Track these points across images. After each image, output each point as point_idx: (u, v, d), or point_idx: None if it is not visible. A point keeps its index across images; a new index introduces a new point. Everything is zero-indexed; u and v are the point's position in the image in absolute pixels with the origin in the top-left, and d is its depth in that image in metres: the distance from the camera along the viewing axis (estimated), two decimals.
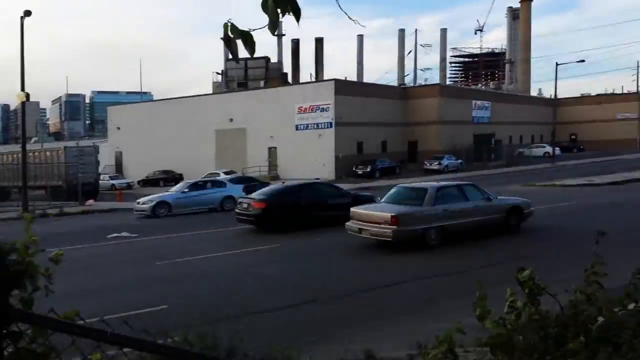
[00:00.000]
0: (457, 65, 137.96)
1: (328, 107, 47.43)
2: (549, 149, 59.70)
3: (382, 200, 15.91)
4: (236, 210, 19.38)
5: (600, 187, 28.73)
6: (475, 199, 14.90)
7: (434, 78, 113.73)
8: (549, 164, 50.28)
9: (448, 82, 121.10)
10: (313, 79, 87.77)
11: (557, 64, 51.53)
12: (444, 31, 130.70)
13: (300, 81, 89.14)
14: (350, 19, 2.62)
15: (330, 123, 47.36)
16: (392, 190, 15.70)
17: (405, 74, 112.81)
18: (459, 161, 50.36)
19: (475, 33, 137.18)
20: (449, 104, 56.08)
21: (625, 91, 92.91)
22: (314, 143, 47.79)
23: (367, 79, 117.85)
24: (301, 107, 48.91)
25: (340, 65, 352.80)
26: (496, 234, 14.67)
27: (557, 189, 28.99)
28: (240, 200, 19.75)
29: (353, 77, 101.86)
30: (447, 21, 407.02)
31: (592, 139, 74.85)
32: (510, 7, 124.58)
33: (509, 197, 16.89)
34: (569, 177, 34.49)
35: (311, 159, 46.98)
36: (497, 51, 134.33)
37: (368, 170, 45.45)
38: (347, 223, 14.74)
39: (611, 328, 2.75)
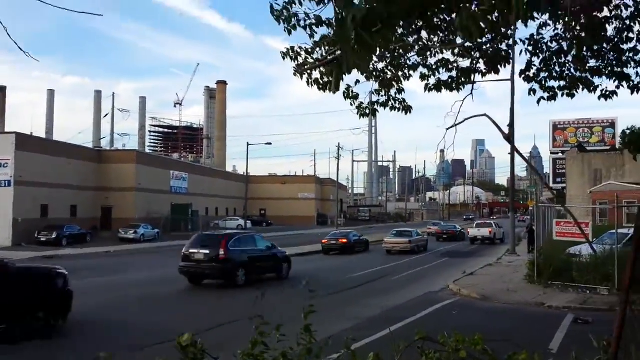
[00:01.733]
0: (157, 134, 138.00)
1: (6, 163, 41.27)
2: (241, 221, 63.09)
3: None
4: None
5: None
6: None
7: (133, 144, 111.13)
8: None
9: (147, 150, 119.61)
10: None
11: (248, 144, 56.47)
12: (143, 99, 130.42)
13: None
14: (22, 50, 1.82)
15: (9, 181, 41.15)
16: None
17: (102, 137, 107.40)
18: (156, 230, 48.95)
19: (175, 106, 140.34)
20: (146, 171, 54.85)
21: (305, 174, 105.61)
22: None
23: (58, 137, 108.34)
24: None
25: (27, 119, 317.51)
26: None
27: None
28: None
29: (42, 134, 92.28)
30: (147, 90, 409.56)
31: (278, 215, 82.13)
32: (207, 87, 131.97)
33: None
34: None
35: None
36: (195, 126, 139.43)
37: (54, 237, 40.26)
38: None
39: None
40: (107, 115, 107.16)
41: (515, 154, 27.59)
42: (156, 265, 26.38)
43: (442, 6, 4.63)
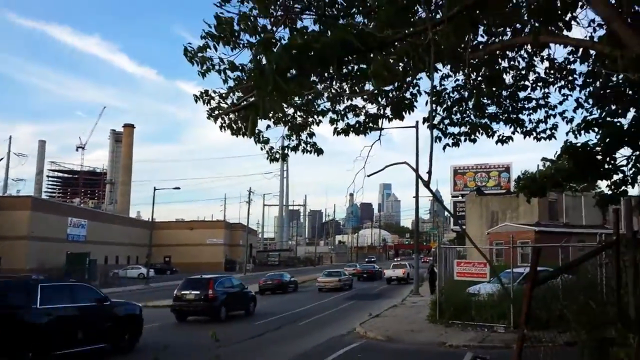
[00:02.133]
0: (56, 179, 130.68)
1: None
2: (143, 270, 60.11)
3: None
4: None
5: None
6: None
7: (29, 190, 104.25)
8: (143, 285, 50.37)
9: (44, 195, 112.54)
10: None
11: (155, 189, 54.24)
12: (42, 143, 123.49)
13: None
14: None
15: None
16: None
17: None
18: None
19: (77, 150, 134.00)
20: (41, 218, 51.56)
21: (215, 219, 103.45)
22: None
23: None
24: None
25: None
26: None
27: (148, 310, 28.81)
28: None
29: None
30: (47, 133, 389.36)
31: (184, 261, 79.25)
32: (113, 130, 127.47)
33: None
34: (160, 298, 34.90)
35: None
36: (98, 170, 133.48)
37: None
38: None
39: None
40: (1, 159, 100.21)
41: (429, 201, 28.54)
42: None
43: (354, 56, 4.72)
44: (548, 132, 9.72)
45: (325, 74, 7.97)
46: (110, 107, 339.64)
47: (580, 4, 6.19)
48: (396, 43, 4.90)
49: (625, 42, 5.22)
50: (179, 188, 77.39)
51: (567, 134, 8.90)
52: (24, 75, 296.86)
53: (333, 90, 8.94)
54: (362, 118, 9.59)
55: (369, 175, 4.06)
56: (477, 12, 5.18)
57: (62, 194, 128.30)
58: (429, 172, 3.22)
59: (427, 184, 3.17)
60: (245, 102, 6.98)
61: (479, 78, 8.88)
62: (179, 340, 16.13)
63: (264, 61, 3.62)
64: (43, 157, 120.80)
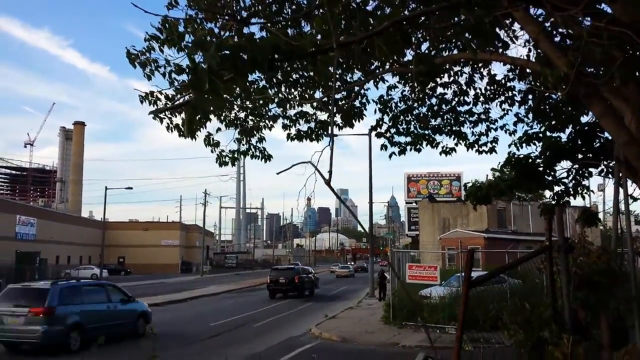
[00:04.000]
0: (3, 176, 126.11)
1: None
2: (96, 270, 58.80)
3: None
4: None
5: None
6: None
7: None
8: None
9: None
10: None
11: (106, 188, 53.44)
12: None
13: None
14: None
15: None
16: None
17: None
18: None
19: (25, 146, 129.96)
20: None
21: (170, 220, 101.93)
22: None
23: None
24: None
25: None
26: None
27: None
28: None
29: None
30: None
31: (139, 262, 77.86)
32: (63, 127, 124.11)
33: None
34: None
35: None
36: (48, 168, 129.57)
37: None
38: None
39: None
40: None
41: (384, 207, 29.20)
42: None
43: (289, 58, 4.99)
44: (489, 145, 10.26)
45: (274, 80, 8.24)
46: (60, 103, 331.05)
47: (509, 22, 6.61)
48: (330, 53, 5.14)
49: (553, 61, 5.70)
50: (131, 188, 75.81)
51: (509, 146, 9.44)
52: None
53: (281, 96, 9.17)
54: (313, 125, 9.91)
55: (277, 173, 4.38)
56: (409, 28, 5.47)
57: (10, 191, 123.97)
58: (330, 172, 3.59)
59: (327, 182, 3.54)
60: (182, 101, 7.01)
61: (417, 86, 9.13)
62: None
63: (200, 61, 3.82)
64: None
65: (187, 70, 7.19)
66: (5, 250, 50.76)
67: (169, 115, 7.43)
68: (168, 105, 7.66)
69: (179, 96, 7.61)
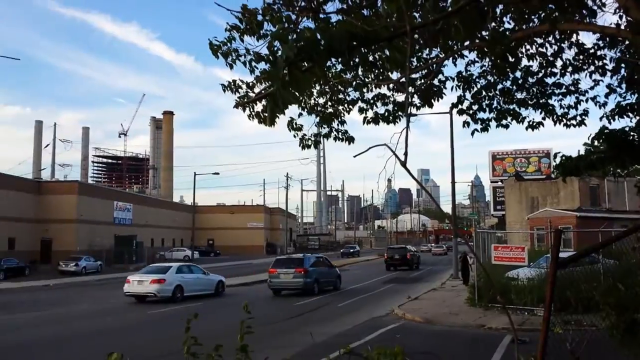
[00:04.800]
0: (101, 165, 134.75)
1: None
2: (188, 252, 61.84)
3: None
4: None
5: (233, 287, 30.74)
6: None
7: (75, 175, 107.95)
8: None
9: (90, 180, 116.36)
10: None
11: (195, 174, 55.92)
12: (86, 129, 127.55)
13: None
14: None
15: None
16: None
17: (42, 168, 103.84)
18: (99, 262, 47.47)
19: (120, 136, 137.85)
20: (88, 202, 53.47)
21: (254, 203, 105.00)
22: None
23: None
24: None
25: None
26: None
27: None
28: None
29: None
30: (90, 120, 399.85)
31: (227, 244, 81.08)
32: (153, 117, 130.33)
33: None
34: None
35: None
36: (141, 156, 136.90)
37: None
38: None
39: None
40: (47, 145, 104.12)
41: (467, 186, 28.37)
42: (100, 297, 25.62)
43: (366, 44, 4.96)
44: (578, 118, 9.67)
45: (351, 63, 8.19)
46: (149, 94, 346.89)
47: None
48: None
49: None
50: (218, 173, 78.65)
51: (600, 119, 8.84)
52: (67, 63, 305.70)
53: (359, 80, 9.12)
54: (390, 107, 9.79)
55: (355, 156, 4.34)
56: (485, 6, 5.25)
57: (107, 179, 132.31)
58: (405, 154, 3.52)
59: (403, 164, 3.47)
60: (264, 93, 7.14)
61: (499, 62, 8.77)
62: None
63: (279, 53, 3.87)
64: (87, 143, 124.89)
65: (265, 59, 7.35)
66: (105, 235, 54.42)
67: (247, 104, 7.63)
68: (248, 93, 7.85)
69: (258, 84, 7.78)
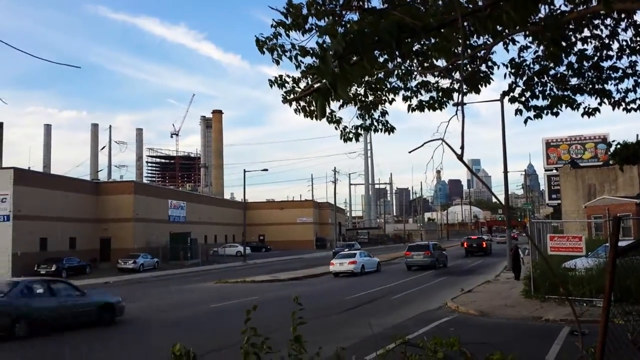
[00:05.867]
0: (154, 165, 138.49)
1: (5, 198, 41.48)
2: (240, 248, 62.91)
3: None
4: None
5: (284, 282, 31.24)
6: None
7: (130, 175, 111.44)
8: (241, 262, 52.85)
9: (145, 180, 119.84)
10: None
11: (245, 171, 56.90)
12: (139, 131, 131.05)
13: None
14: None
15: (7, 216, 41.30)
16: None
17: (99, 169, 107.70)
18: (155, 260, 48.95)
19: (172, 136, 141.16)
20: (144, 201, 55.07)
21: (303, 199, 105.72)
22: None
23: (56, 170, 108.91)
24: None
25: (24, 154, 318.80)
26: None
27: (248, 284, 30.52)
28: None
29: (39, 168, 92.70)
30: (143, 121, 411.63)
31: (277, 240, 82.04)
32: (203, 117, 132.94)
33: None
34: (258, 274, 36.66)
35: None
36: (192, 155, 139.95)
37: (53, 269, 40.26)
38: None
39: None
40: (104, 147, 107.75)
41: (520, 175, 27.79)
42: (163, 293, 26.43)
43: (415, 35, 4.89)
44: (638, 102, 9.27)
45: (397, 52, 8.07)
46: (199, 94, 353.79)
47: None
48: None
49: None
50: (267, 170, 79.62)
51: None
52: (119, 66, 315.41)
53: (403, 69, 8.97)
54: (434, 94, 9.60)
55: (410, 152, 4.31)
56: None
57: (161, 178, 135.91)
58: (462, 147, 3.47)
59: (460, 157, 3.42)
60: (314, 87, 7.13)
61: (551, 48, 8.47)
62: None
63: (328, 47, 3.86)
64: (141, 144, 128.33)
65: (310, 53, 7.36)
66: (161, 232, 56.00)
67: (295, 99, 7.67)
68: (295, 88, 7.89)
69: (304, 79, 7.79)
